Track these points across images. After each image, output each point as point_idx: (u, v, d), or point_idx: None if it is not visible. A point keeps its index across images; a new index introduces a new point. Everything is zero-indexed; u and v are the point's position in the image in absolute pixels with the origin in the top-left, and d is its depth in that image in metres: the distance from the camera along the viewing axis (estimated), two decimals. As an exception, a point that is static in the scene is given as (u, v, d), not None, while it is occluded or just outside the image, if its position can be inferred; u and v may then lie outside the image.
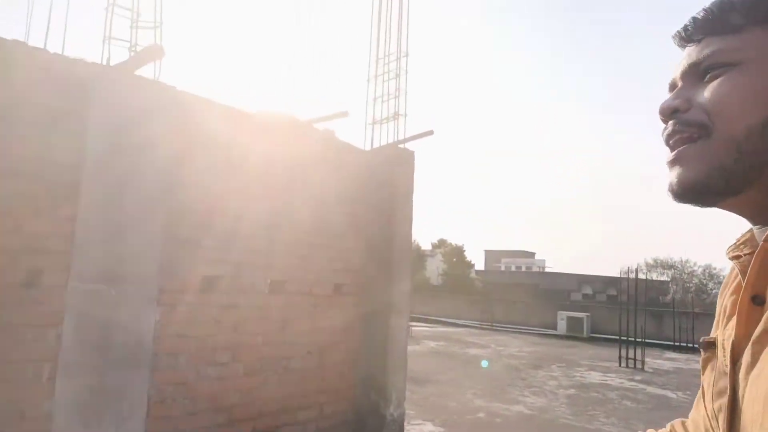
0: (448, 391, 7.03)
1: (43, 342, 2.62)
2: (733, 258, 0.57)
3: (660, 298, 25.86)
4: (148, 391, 2.99)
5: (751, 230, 0.57)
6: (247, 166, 3.57)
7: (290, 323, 3.83)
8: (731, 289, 0.59)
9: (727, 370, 0.52)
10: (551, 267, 47.37)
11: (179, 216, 3.19)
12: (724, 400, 0.52)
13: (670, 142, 0.54)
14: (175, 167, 3.19)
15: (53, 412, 2.61)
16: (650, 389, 8.16)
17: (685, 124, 0.53)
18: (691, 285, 10.05)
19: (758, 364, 0.47)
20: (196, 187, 3.29)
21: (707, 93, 0.53)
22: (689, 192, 0.52)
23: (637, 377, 9.25)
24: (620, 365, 10.48)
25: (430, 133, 4.37)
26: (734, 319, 0.54)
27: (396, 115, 4.55)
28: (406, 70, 4.60)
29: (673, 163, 0.54)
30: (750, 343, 0.49)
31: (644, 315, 11.57)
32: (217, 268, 3.39)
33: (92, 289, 2.79)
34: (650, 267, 29.98)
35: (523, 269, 47.78)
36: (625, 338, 10.64)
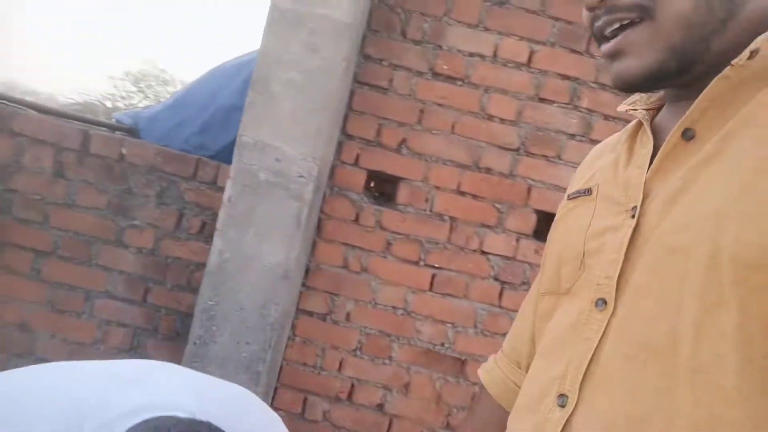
0: None
1: None
2: (630, 110, 0.59)
3: None
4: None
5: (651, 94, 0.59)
6: None
7: None
8: (623, 140, 0.60)
9: (636, 205, 0.50)
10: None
11: None
12: (617, 236, 0.51)
13: (606, 32, 0.51)
14: None
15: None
16: None
17: (622, 9, 0.49)
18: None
19: (693, 188, 0.47)
20: None
21: None
22: (641, 80, 0.50)
23: None
24: None
25: None
26: (636, 161, 0.54)
27: None
28: None
29: (615, 54, 0.51)
30: (684, 171, 0.48)
31: None
32: None
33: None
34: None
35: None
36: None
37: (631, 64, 0.50)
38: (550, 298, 0.61)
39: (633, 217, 0.50)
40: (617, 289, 0.49)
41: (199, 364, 1.54)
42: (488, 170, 1.76)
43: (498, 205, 1.75)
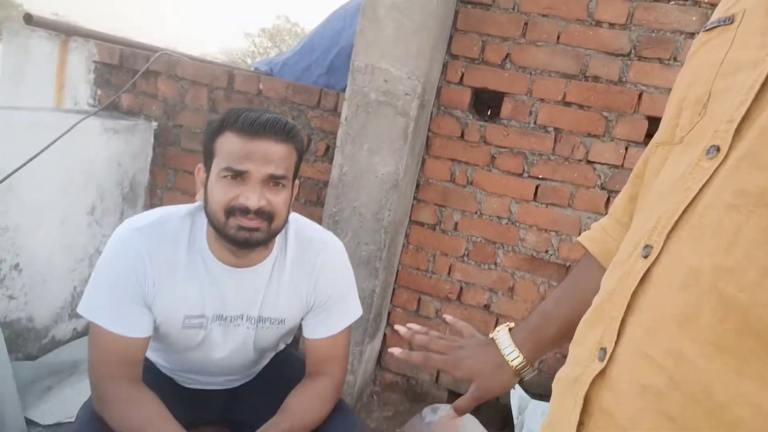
0: None
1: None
2: None
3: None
4: None
5: None
6: None
7: None
8: None
9: None
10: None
11: None
12: (752, 74, 0.42)
13: None
14: None
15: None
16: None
17: None
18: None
19: None
20: None
21: None
22: None
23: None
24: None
25: None
26: None
27: None
28: None
29: None
30: None
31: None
32: None
33: None
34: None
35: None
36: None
37: None
38: (662, 149, 0.54)
39: None
40: (736, 134, 0.42)
41: (327, 262, 1.81)
42: (596, 78, 1.73)
43: (606, 114, 1.73)
